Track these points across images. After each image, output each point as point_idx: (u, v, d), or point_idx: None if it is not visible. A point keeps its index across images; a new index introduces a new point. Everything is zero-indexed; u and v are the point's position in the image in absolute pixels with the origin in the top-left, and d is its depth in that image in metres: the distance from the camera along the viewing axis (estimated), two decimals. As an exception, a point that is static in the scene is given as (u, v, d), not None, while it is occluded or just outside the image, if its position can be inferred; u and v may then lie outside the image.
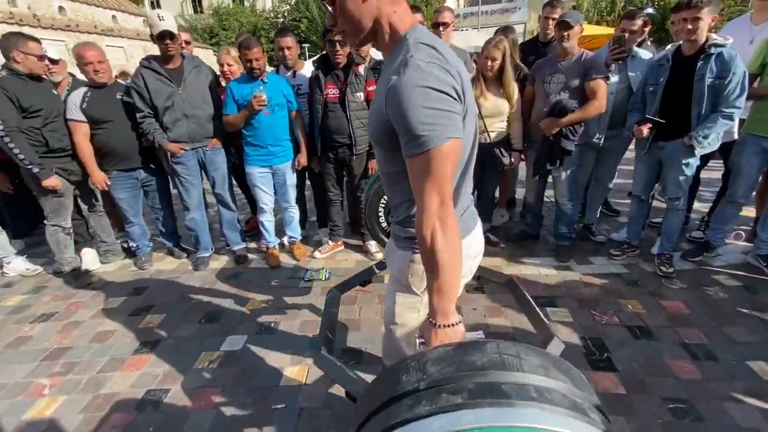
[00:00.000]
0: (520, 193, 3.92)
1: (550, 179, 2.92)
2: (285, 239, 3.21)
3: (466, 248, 1.02)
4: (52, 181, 2.62)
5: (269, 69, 2.91)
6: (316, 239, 3.43)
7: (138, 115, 2.61)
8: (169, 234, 3.21)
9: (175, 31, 2.47)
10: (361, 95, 2.65)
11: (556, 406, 0.54)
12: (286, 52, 2.84)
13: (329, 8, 0.89)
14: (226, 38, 19.42)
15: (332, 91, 2.65)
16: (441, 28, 2.82)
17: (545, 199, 3.17)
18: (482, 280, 2.67)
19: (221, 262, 3.16)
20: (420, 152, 0.78)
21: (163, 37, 2.45)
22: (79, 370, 2.02)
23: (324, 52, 2.71)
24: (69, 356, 2.13)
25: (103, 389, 1.88)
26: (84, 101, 2.59)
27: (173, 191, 3.06)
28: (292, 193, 3.03)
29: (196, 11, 24.08)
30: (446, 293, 0.82)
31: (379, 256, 3.03)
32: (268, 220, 3.03)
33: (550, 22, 2.94)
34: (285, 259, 3.13)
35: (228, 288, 2.76)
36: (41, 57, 2.55)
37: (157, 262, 3.18)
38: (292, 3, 20.43)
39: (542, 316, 1.16)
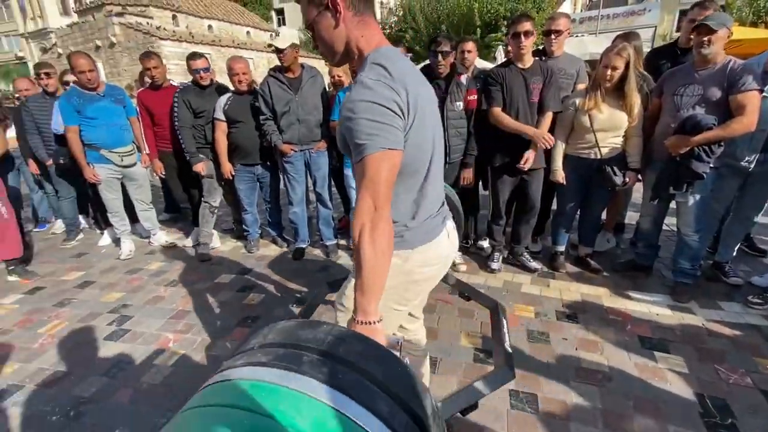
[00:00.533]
0: (631, 217, 3.49)
1: (672, 205, 2.54)
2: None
3: (422, 253, 1.06)
4: (199, 167, 3.21)
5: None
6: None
7: (261, 117, 2.99)
8: (274, 224, 3.60)
9: (282, 46, 2.76)
10: (460, 104, 2.65)
11: (341, 387, 0.59)
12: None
13: (311, 34, 1.00)
14: (337, 49, 21.01)
15: (432, 100, 2.69)
16: (553, 36, 2.67)
17: (664, 227, 2.77)
18: (588, 316, 2.45)
19: (315, 254, 3.43)
20: (359, 159, 0.86)
21: (278, 50, 2.78)
22: (195, 332, 2.38)
23: (427, 62, 2.77)
24: (189, 318, 2.53)
25: (212, 351, 2.19)
26: (227, 104, 3.06)
27: (282, 188, 3.42)
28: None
29: (314, 25, 26.54)
30: (367, 292, 0.86)
31: (463, 268, 2.97)
32: (359, 221, 3.19)
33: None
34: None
35: (318, 278, 2.98)
36: (197, 71, 3.13)
37: (262, 248, 3.58)
38: (400, 15, 21.20)
39: (507, 347, 1.17)
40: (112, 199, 3.34)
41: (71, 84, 3.34)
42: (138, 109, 3.41)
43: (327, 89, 3.18)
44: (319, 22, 0.96)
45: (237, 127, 3.10)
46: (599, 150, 2.54)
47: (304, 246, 3.41)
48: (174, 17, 18.82)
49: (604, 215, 3.09)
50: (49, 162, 3.60)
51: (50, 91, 3.57)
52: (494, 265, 2.91)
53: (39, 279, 3.16)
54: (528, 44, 2.44)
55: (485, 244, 3.28)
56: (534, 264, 2.90)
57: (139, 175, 3.45)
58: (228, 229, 4.04)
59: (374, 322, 0.88)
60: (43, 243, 3.97)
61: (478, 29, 14.50)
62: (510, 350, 1.17)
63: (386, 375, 0.64)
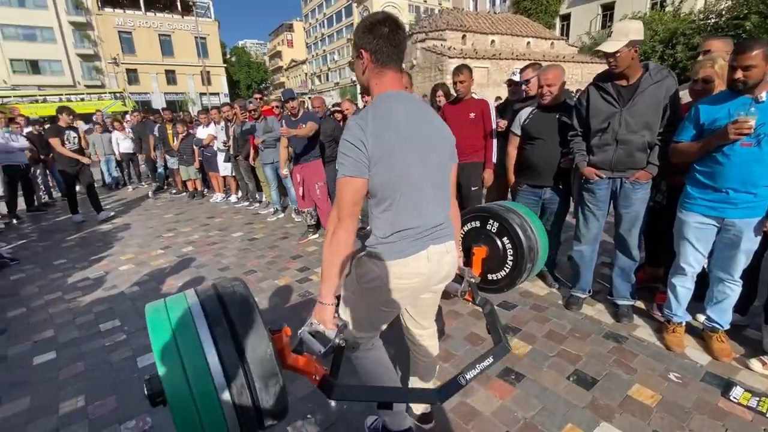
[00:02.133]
0: None
1: None
2: (702, 320, 2.27)
3: (395, 267, 1.27)
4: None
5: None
6: (754, 336, 2.24)
7: (570, 133, 2.49)
8: (548, 258, 3.05)
9: (613, 48, 2.10)
10: None
11: (206, 312, 1.10)
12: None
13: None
14: (630, 51, 17.70)
15: None
16: None
17: None
18: None
19: (595, 310, 2.67)
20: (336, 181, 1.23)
21: (606, 55, 2.18)
22: (454, 364, 2.19)
23: None
24: (447, 343, 2.36)
25: (468, 399, 1.92)
26: (528, 118, 2.76)
27: (569, 218, 2.84)
28: (742, 262, 2.03)
29: (604, 27, 23.43)
30: (325, 280, 1.21)
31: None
32: (684, 287, 2.21)
33: None
34: (691, 344, 2.22)
35: (602, 347, 2.25)
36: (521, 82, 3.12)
37: (527, 283, 3.07)
38: (740, -3, 15.62)
39: (462, 378, 1.25)
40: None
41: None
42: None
43: (678, 97, 2.28)
44: (355, 63, 1.31)
45: (533, 144, 2.72)
46: None
47: (582, 296, 2.71)
48: (463, 37, 20.79)
49: None
50: None
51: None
52: None
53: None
54: None
55: None
56: None
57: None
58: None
59: (327, 304, 1.21)
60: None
61: None
62: (463, 383, 1.24)
63: (239, 321, 1.10)
